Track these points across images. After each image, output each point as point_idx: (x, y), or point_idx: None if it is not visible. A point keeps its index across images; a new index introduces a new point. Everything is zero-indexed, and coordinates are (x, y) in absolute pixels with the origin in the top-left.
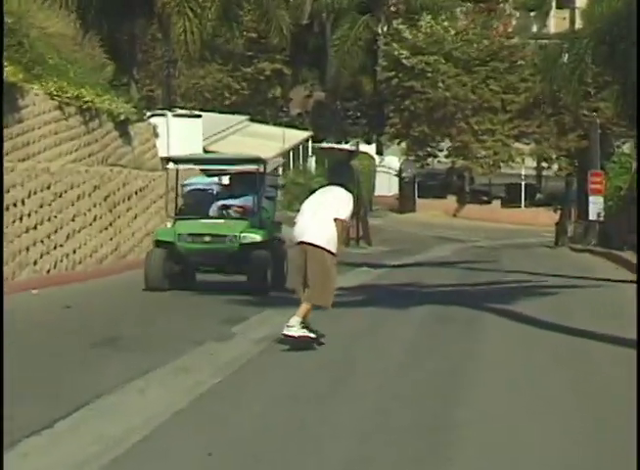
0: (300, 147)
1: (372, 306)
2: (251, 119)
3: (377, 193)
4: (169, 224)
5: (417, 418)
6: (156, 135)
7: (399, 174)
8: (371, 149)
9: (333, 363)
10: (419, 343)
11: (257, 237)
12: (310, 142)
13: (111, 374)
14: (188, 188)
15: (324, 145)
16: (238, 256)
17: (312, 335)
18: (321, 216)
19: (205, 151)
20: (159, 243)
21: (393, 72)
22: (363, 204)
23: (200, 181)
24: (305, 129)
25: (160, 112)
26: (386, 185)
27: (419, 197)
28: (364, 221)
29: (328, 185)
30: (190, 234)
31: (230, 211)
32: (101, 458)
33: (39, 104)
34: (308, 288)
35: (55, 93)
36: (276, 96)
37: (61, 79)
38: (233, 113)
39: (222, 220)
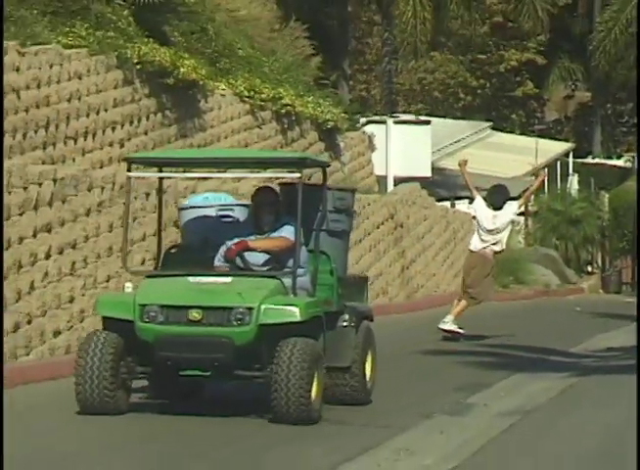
0: (558, 163)
1: None
2: (494, 127)
3: None
4: (129, 286)
5: None
6: (372, 148)
7: None
8: None
9: (601, 444)
10: None
11: (295, 312)
12: (571, 156)
13: (315, 454)
14: (187, 214)
15: (588, 160)
16: (253, 350)
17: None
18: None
19: (435, 168)
20: (106, 323)
21: None
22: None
23: (211, 201)
24: (565, 140)
25: (377, 118)
26: None
27: None
28: None
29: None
30: (163, 306)
31: (250, 259)
32: None
33: (226, 107)
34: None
35: (246, 94)
36: (527, 95)
37: (253, 76)
38: (470, 118)
39: (229, 279)
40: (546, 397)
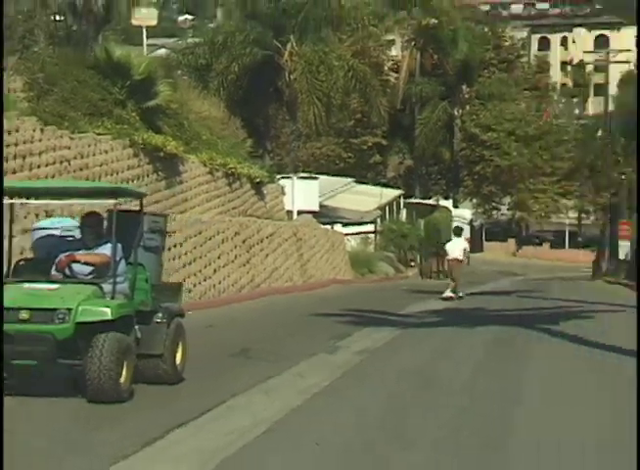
0: (394, 202)
1: (450, 326)
2: (356, 181)
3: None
4: None
5: (479, 412)
6: (283, 193)
7: (470, 223)
8: (449, 203)
9: (415, 371)
10: (483, 356)
11: (107, 312)
12: (402, 198)
13: (243, 378)
14: (37, 234)
15: (412, 200)
16: (73, 343)
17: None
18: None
19: (321, 205)
20: None
21: (467, 144)
22: (442, 246)
23: (55, 223)
24: (398, 188)
25: (286, 175)
26: None
27: (486, 240)
28: (443, 259)
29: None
30: None
31: (76, 269)
32: (232, 446)
33: (195, 169)
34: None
35: (207, 161)
36: (376, 162)
37: (211, 151)
38: (342, 175)
39: (56, 286)
40: (384, 341)
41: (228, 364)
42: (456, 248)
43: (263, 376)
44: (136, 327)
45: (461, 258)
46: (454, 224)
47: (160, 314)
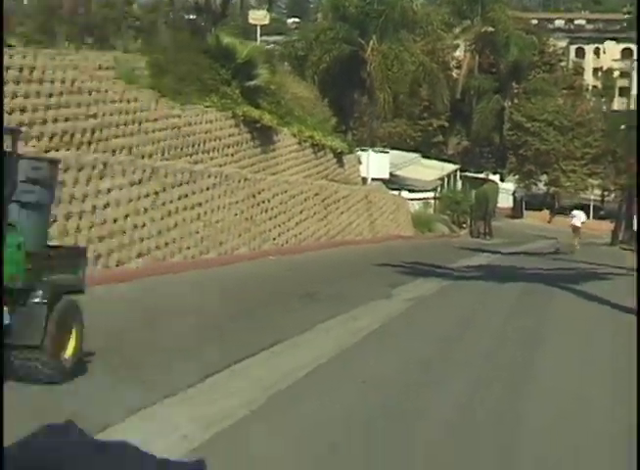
0: (452, 175)
1: (487, 281)
2: (422, 156)
3: (499, 205)
4: None
5: (512, 351)
6: (360, 163)
7: (513, 194)
8: (496, 178)
9: (460, 316)
10: (513, 305)
11: None
12: (458, 172)
13: (308, 317)
14: None
15: (466, 174)
16: None
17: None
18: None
19: (391, 175)
20: None
21: (514, 131)
22: (489, 212)
23: None
24: (456, 163)
25: (364, 148)
26: (505, 201)
27: (525, 209)
28: (489, 222)
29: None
30: None
31: None
32: (291, 376)
33: (286, 140)
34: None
35: (297, 134)
36: (439, 141)
37: (301, 125)
38: (410, 151)
39: None
40: (433, 291)
41: (296, 305)
42: (580, 217)
43: (326, 316)
44: (5, 309)
45: (579, 224)
46: (501, 195)
47: (39, 292)
